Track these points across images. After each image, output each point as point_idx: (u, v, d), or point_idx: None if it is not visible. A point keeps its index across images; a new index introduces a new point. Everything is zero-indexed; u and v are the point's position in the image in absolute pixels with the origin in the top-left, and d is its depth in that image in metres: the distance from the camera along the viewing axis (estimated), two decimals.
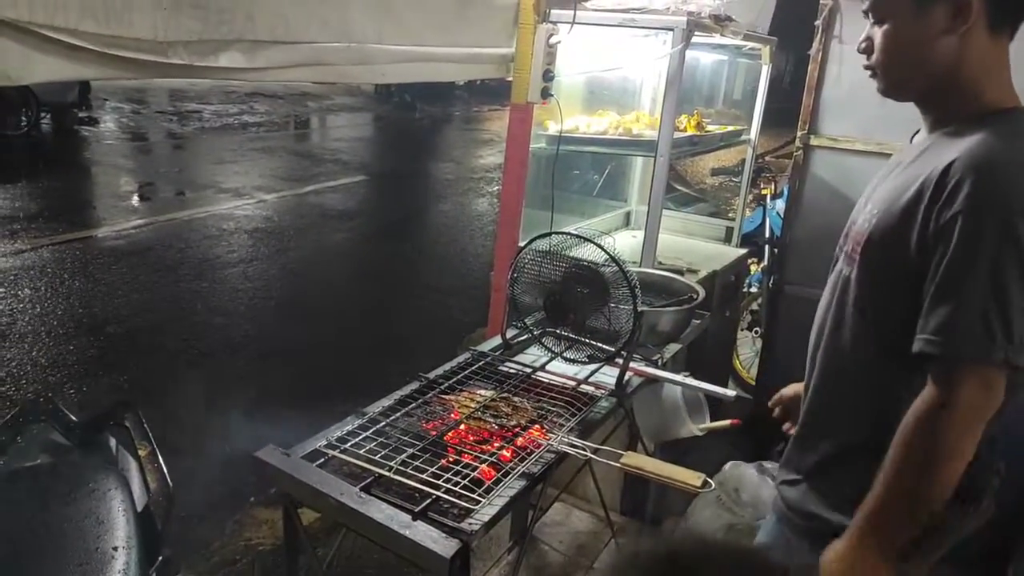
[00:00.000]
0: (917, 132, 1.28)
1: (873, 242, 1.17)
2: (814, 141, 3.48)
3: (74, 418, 1.44)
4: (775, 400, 1.62)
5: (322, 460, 1.45)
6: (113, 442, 1.48)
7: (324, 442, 1.51)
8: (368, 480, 1.38)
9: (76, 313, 4.25)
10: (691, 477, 1.44)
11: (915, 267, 1.10)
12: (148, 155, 9.00)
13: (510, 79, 2.61)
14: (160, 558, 1.29)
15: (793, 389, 1.55)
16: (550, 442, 1.55)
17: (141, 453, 1.45)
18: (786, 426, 1.58)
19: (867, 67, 1.20)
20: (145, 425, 1.49)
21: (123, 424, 1.50)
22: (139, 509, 1.33)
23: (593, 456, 1.51)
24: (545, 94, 2.55)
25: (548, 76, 2.53)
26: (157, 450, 1.44)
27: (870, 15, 1.17)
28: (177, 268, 5.12)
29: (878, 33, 1.15)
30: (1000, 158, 1.05)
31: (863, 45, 1.19)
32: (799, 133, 3.49)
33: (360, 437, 1.52)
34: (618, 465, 1.49)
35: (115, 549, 1.20)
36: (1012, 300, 1.01)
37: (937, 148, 1.13)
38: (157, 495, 1.40)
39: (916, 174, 1.12)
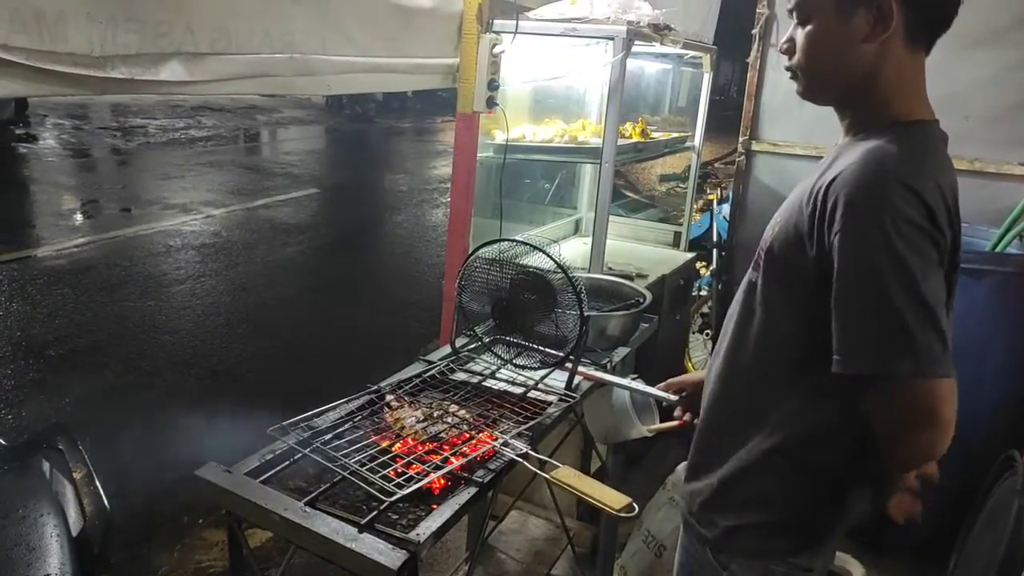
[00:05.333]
0: None
1: (774, 252, 1.18)
2: (755, 146, 3.58)
3: (2, 442, 1.39)
4: (676, 383, 1.64)
5: (265, 476, 1.42)
6: (47, 466, 1.43)
7: (269, 456, 1.49)
8: (313, 494, 1.36)
9: (14, 336, 4.10)
10: (615, 500, 1.37)
11: (813, 278, 1.09)
12: (91, 172, 8.75)
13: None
14: None
15: (698, 376, 1.55)
16: (495, 443, 1.55)
17: (76, 476, 1.41)
18: (677, 412, 1.60)
19: (788, 68, 1.21)
20: (80, 447, 1.44)
21: (57, 447, 1.45)
22: (74, 534, 1.29)
23: (539, 471, 1.48)
24: (491, 103, 2.57)
25: (493, 85, 2.55)
26: (93, 472, 1.40)
27: (794, 15, 1.18)
28: (122, 287, 4.98)
29: (800, 34, 1.16)
30: (873, 171, 1.04)
31: (785, 46, 1.20)
32: (741, 139, 3.59)
33: (305, 451, 1.50)
34: (548, 477, 1.46)
35: None
36: (899, 311, 0.99)
37: (843, 156, 1.13)
38: (94, 519, 1.36)
39: (812, 183, 1.12)
